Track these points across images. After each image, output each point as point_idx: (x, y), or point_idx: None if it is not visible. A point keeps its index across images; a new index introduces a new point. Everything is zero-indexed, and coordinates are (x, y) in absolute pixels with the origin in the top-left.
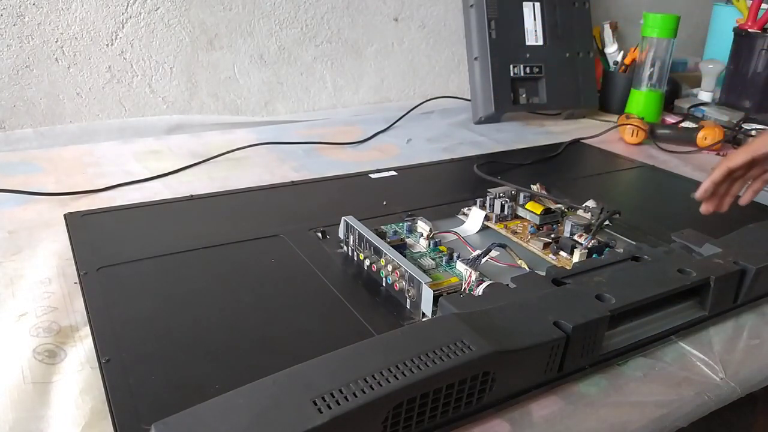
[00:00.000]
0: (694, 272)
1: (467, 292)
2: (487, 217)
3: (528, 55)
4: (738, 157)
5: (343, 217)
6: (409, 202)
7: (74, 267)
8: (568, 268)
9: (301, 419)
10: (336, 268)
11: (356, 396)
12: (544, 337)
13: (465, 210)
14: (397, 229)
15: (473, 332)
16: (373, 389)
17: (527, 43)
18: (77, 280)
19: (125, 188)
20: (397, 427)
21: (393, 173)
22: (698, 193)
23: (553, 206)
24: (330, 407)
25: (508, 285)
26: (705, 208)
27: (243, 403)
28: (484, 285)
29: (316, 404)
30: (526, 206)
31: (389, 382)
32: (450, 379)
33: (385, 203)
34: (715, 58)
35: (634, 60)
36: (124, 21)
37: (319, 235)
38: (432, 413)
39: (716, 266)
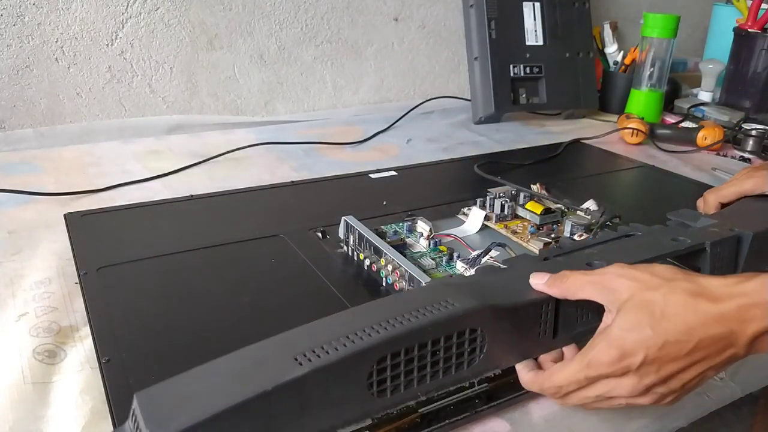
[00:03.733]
0: (689, 239)
1: None
2: (487, 217)
3: (528, 55)
4: (729, 194)
5: (343, 217)
6: (409, 202)
7: (74, 267)
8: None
9: (281, 373)
10: (336, 268)
11: (337, 350)
12: (532, 295)
13: (465, 210)
14: (397, 229)
15: (458, 293)
16: (354, 343)
17: (527, 43)
18: (77, 280)
19: (125, 188)
20: (384, 385)
21: (393, 173)
22: None
23: (553, 206)
24: (310, 361)
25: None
26: None
27: (224, 366)
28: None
29: (296, 360)
30: (526, 206)
31: (370, 336)
32: (434, 334)
33: (385, 203)
34: (715, 58)
35: (634, 60)
36: (124, 21)
37: (319, 235)
38: (420, 373)
39: (712, 234)
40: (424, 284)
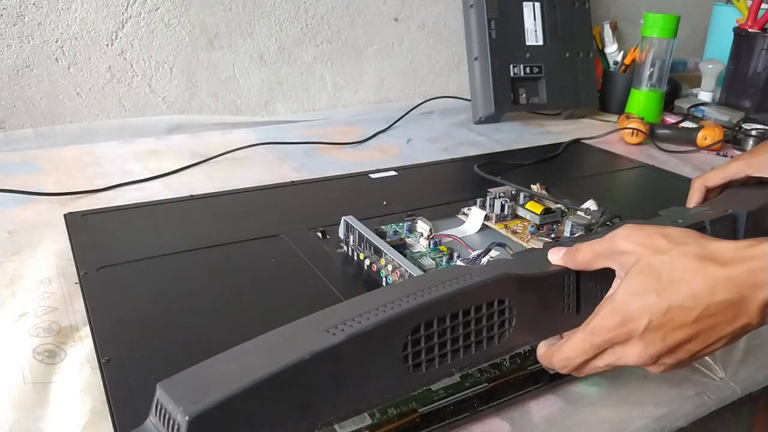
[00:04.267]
0: (689, 220)
1: None
2: (487, 217)
3: (528, 55)
4: (714, 178)
5: (343, 217)
6: (409, 202)
7: (74, 267)
8: None
9: (315, 342)
10: (336, 268)
11: (369, 320)
12: (552, 267)
13: (465, 210)
14: (397, 229)
15: (482, 270)
16: (385, 313)
17: (527, 43)
18: (77, 280)
19: (125, 188)
20: (419, 358)
21: (393, 173)
22: None
23: (553, 206)
24: (343, 331)
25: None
26: None
27: (251, 347)
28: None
29: (329, 332)
30: (526, 206)
31: (401, 306)
32: (464, 303)
33: (385, 203)
34: (715, 58)
35: (634, 60)
36: (124, 21)
37: (319, 235)
38: (454, 346)
39: (708, 214)
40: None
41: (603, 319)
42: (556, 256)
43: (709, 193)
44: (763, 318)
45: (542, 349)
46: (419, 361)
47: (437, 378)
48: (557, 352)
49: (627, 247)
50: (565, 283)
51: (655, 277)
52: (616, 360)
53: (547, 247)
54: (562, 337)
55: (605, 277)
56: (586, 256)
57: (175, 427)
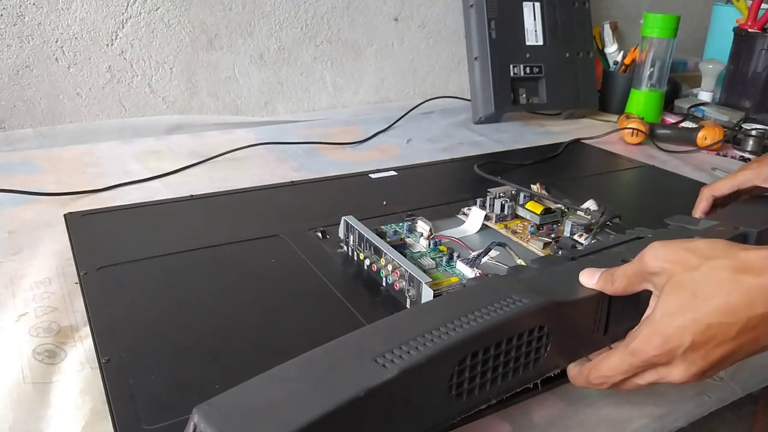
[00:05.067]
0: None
1: None
2: (487, 217)
3: (528, 55)
4: (722, 187)
5: (343, 217)
6: (409, 202)
7: (74, 267)
8: None
9: (368, 376)
10: (336, 268)
11: (419, 350)
12: (588, 292)
13: (465, 210)
14: (397, 229)
15: (520, 289)
16: (435, 343)
17: (527, 43)
18: (77, 280)
19: (125, 188)
20: (462, 387)
21: (393, 173)
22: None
23: (553, 206)
24: (394, 362)
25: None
26: None
27: (295, 372)
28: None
29: (377, 362)
30: (526, 206)
31: (451, 335)
32: (509, 331)
33: (385, 203)
34: (715, 58)
35: (634, 60)
36: (124, 21)
37: (319, 235)
38: (494, 374)
39: (720, 232)
40: (424, 284)
41: (644, 342)
42: (591, 281)
43: (716, 200)
44: None
45: (574, 370)
46: (462, 390)
47: (476, 406)
48: (594, 369)
49: (657, 266)
50: (598, 307)
51: (689, 294)
52: (659, 378)
53: (572, 267)
54: (590, 359)
55: (634, 297)
56: (621, 282)
57: None
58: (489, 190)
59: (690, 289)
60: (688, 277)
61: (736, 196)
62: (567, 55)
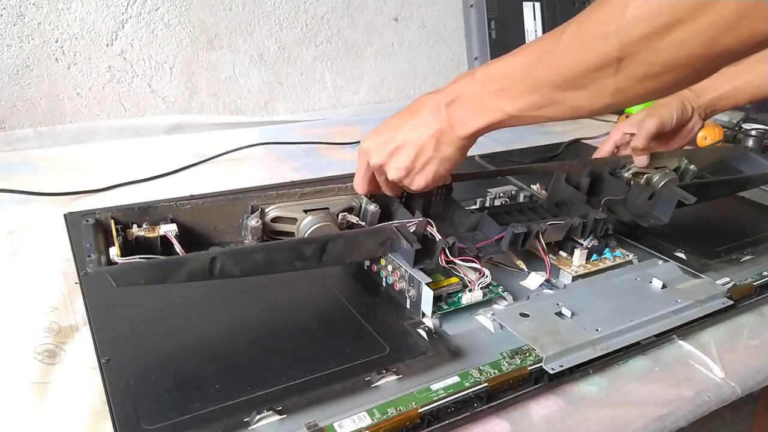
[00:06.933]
0: None
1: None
2: None
3: None
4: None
5: None
6: None
7: (74, 267)
8: (567, 268)
9: None
10: (336, 268)
11: None
12: None
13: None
14: None
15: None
16: None
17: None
18: (77, 280)
19: (125, 188)
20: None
21: None
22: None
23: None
24: None
25: None
26: (640, 162)
27: None
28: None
29: None
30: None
31: None
32: None
33: None
34: None
35: None
36: (124, 21)
37: None
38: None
39: None
40: (424, 284)
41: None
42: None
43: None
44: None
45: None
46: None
47: None
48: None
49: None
50: None
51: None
52: None
53: None
54: None
55: None
56: None
57: None
58: (489, 190)
59: None
60: None
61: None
62: None
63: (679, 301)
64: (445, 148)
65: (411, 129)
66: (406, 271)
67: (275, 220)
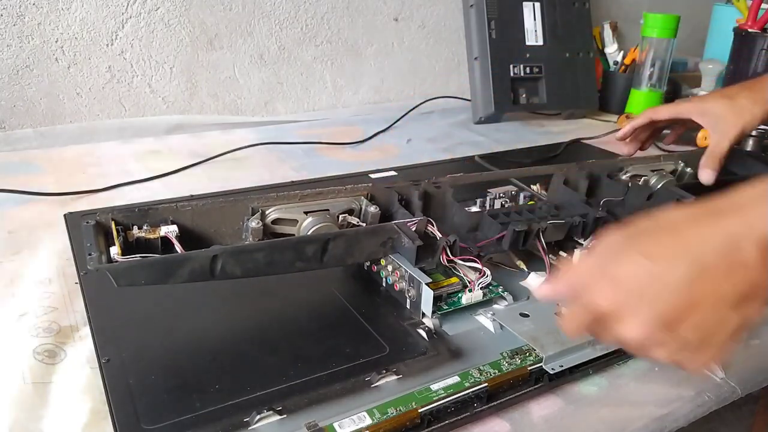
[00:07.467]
0: None
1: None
2: None
3: (528, 55)
4: (663, 111)
5: None
6: None
7: (74, 267)
8: None
9: None
10: (336, 268)
11: None
12: None
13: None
14: None
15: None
16: None
17: (527, 43)
18: (77, 280)
19: (125, 188)
20: None
21: (393, 173)
22: (620, 135)
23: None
24: None
25: None
26: (627, 150)
27: None
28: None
29: None
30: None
31: None
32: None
33: None
34: (715, 58)
35: (634, 60)
36: (124, 21)
37: None
38: None
39: None
40: (424, 284)
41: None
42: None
43: (654, 123)
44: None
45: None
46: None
47: None
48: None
49: None
50: None
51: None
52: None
53: None
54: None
55: None
56: None
57: None
58: (489, 190)
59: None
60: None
61: (671, 124)
62: (567, 55)
63: None
64: None
65: None
66: (406, 271)
67: (276, 221)
